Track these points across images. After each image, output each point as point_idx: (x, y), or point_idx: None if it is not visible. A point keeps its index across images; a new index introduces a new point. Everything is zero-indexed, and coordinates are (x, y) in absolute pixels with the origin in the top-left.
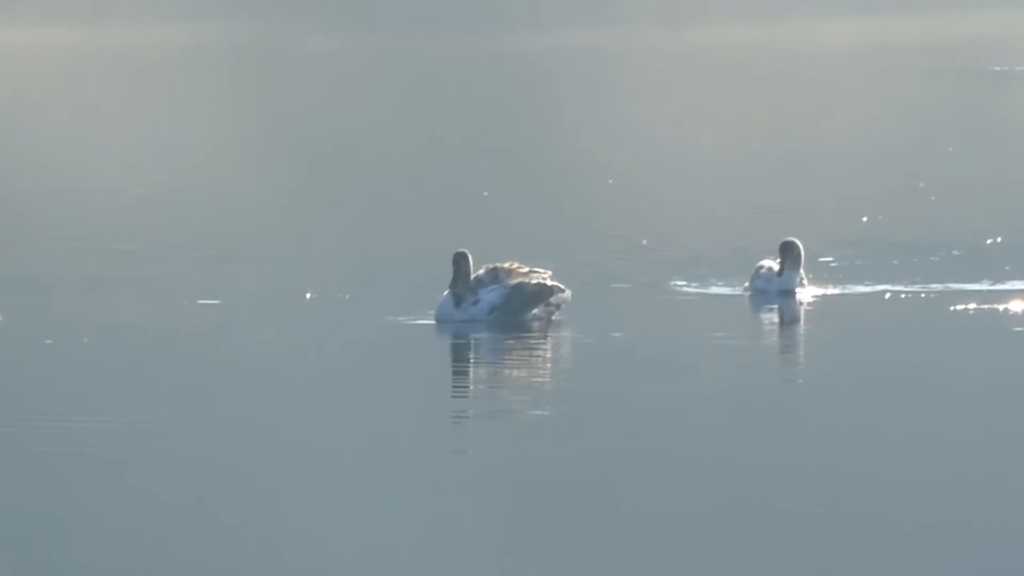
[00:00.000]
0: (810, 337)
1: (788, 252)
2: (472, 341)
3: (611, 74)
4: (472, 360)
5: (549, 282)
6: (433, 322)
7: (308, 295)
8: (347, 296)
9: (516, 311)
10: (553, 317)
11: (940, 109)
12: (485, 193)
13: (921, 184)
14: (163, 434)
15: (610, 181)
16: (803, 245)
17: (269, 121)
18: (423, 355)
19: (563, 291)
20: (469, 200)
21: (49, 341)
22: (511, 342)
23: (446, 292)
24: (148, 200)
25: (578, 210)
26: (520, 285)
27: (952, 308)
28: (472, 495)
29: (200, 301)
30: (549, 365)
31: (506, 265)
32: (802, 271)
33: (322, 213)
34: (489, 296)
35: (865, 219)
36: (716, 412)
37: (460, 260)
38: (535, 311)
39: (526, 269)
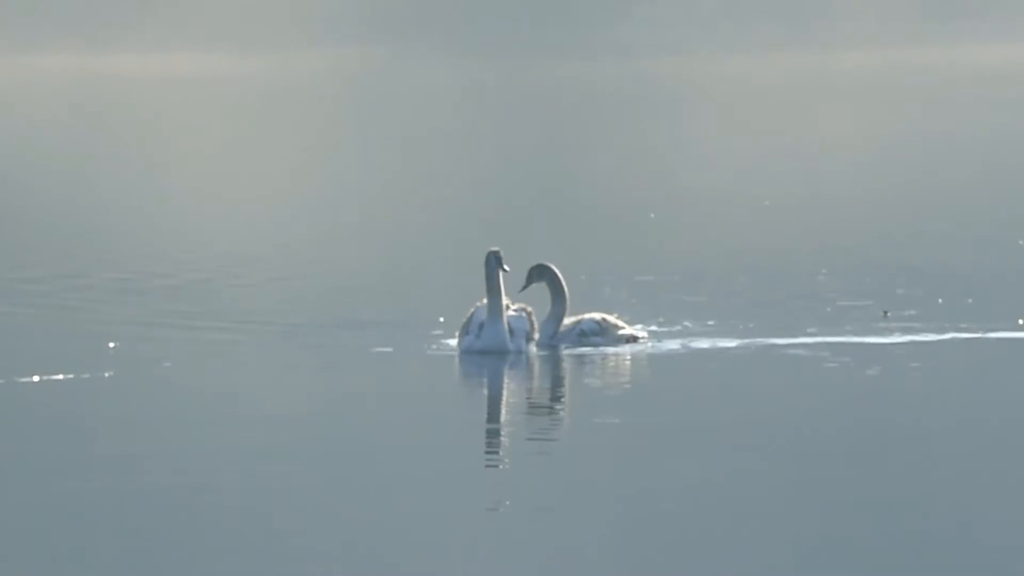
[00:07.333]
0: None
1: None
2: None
3: (747, 97)
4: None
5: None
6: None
7: (441, 319)
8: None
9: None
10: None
11: None
12: (651, 215)
13: None
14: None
15: (767, 203)
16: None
17: (405, 149)
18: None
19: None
20: (629, 221)
21: (168, 364)
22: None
23: (489, 319)
24: (294, 227)
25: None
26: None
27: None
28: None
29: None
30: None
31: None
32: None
33: (464, 237)
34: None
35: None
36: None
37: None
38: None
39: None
